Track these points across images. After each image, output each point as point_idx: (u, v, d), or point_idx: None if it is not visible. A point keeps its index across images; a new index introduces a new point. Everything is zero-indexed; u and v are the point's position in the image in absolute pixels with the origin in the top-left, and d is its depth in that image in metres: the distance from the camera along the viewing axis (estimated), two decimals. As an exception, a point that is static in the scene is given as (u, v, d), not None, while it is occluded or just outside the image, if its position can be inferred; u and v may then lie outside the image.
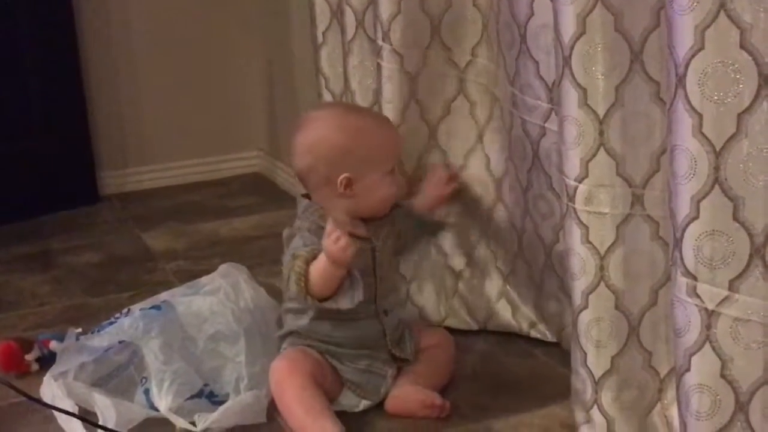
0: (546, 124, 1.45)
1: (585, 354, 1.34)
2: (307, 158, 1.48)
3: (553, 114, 1.41)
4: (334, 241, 1.35)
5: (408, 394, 1.47)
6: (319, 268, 1.39)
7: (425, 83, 1.65)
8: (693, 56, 1.03)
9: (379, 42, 1.63)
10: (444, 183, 1.63)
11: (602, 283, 1.30)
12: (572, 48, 1.22)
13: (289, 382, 1.43)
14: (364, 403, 1.49)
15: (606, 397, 1.34)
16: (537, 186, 1.53)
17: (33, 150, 2.59)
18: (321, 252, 1.38)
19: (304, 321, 1.49)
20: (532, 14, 1.41)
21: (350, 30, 1.77)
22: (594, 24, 1.20)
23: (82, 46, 2.66)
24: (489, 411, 1.48)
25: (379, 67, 1.65)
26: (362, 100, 1.80)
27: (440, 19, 1.62)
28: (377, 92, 1.76)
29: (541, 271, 1.61)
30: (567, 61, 1.23)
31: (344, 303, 1.42)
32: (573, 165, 1.27)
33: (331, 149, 1.46)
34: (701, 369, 1.12)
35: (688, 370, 1.13)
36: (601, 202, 1.27)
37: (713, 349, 1.11)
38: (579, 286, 1.32)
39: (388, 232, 1.53)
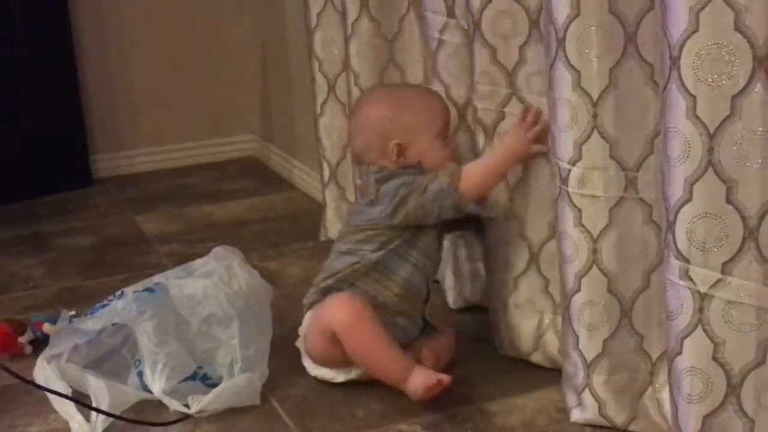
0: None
1: (577, 337, 1.34)
2: (359, 137, 1.56)
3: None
4: (528, 128, 1.42)
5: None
6: (485, 165, 1.47)
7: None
8: (687, 38, 1.03)
9: (442, 17, 1.58)
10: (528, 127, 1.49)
11: (595, 266, 1.30)
12: (566, 30, 1.22)
13: (365, 311, 1.44)
14: None
15: (598, 380, 1.35)
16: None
17: (27, 133, 2.58)
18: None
19: (371, 253, 1.50)
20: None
21: (353, 11, 1.76)
22: (588, 6, 1.20)
23: (75, 30, 2.65)
24: (482, 393, 1.49)
25: (440, 42, 1.59)
26: (366, 82, 1.79)
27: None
28: (380, 73, 1.74)
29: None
30: (561, 43, 1.22)
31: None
32: (566, 148, 1.27)
33: (378, 122, 1.54)
34: (693, 352, 1.13)
35: (680, 353, 1.14)
36: (595, 185, 1.27)
37: (705, 332, 1.11)
38: (571, 269, 1.32)
39: None
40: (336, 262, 1.54)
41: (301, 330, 1.55)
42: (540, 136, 1.41)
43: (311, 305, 1.54)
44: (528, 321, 1.53)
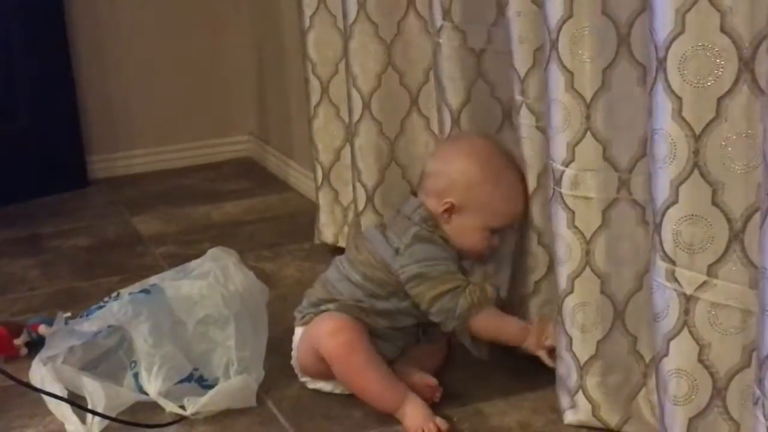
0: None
1: (570, 339, 1.34)
2: (441, 164, 1.50)
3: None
4: (544, 336, 1.42)
5: (404, 375, 1.47)
6: (505, 326, 1.45)
7: (493, 62, 1.58)
8: (673, 39, 1.03)
9: (439, 21, 1.58)
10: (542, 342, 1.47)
11: (588, 268, 1.31)
12: (559, 31, 1.22)
13: (357, 340, 1.43)
14: None
15: (591, 382, 1.35)
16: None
17: (22, 134, 2.58)
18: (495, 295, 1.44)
19: (379, 300, 1.47)
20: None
21: (352, 13, 1.76)
22: (581, 7, 1.20)
23: (71, 30, 2.64)
24: (478, 394, 1.49)
25: (438, 45, 1.59)
26: (364, 84, 1.79)
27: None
28: (379, 76, 1.74)
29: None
30: (554, 44, 1.23)
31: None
32: (560, 149, 1.28)
33: (459, 174, 1.47)
34: (679, 354, 1.13)
35: (666, 354, 1.14)
36: (588, 186, 1.27)
37: (691, 334, 1.11)
38: (565, 270, 1.32)
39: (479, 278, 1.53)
40: (341, 285, 1.50)
41: (294, 345, 1.53)
42: (551, 351, 1.41)
43: (304, 321, 1.52)
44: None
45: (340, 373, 1.44)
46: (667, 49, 1.04)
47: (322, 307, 1.49)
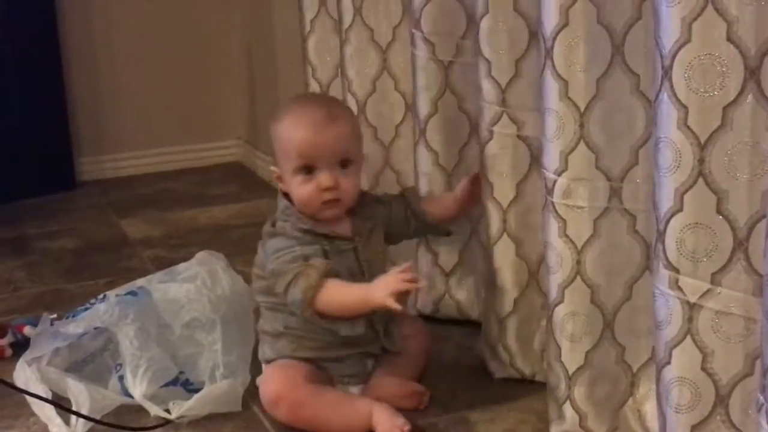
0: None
1: (559, 349, 1.34)
2: None
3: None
4: (401, 283, 1.34)
5: (385, 385, 1.46)
6: (347, 294, 1.39)
7: (461, 74, 1.60)
8: (680, 48, 1.03)
9: (412, 29, 1.59)
10: (464, 198, 1.55)
11: (578, 278, 1.30)
12: (554, 40, 1.22)
13: (296, 395, 1.40)
14: (352, 390, 1.48)
15: (579, 392, 1.34)
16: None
17: (10, 135, 2.57)
18: (334, 269, 1.39)
19: (293, 320, 1.45)
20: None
21: (347, 18, 1.76)
22: (576, 15, 1.20)
23: (61, 30, 2.64)
24: (465, 402, 1.49)
25: (413, 55, 1.61)
26: (359, 88, 1.78)
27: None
28: (374, 80, 1.75)
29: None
30: (549, 52, 1.23)
31: (344, 329, 1.43)
32: (552, 158, 1.27)
33: (272, 140, 1.48)
34: (682, 361, 1.13)
35: (668, 362, 1.14)
36: (579, 195, 1.27)
37: (694, 342, 1.11)
38: (555, 279, 1.32)
39: (371, 227, 1.51)
40: (264, 316, 1.49)
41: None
42: (403, 297, 1.36)
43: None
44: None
45: (303, 428, 1.42)
46: (673, 57, 1.04)
47: (268, 352, 1.48)
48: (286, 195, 1.49)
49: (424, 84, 1.62)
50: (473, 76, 1.52)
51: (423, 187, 1.68)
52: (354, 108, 1.79)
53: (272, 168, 1.50)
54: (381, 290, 1.35)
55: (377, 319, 1.47)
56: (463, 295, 1.73)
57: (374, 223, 1.52)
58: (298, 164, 1.43)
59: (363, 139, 1.54)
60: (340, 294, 1.39)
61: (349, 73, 1.78)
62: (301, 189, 1.44)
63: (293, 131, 1.44)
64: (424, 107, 1.63)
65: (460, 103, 1.62)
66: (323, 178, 1.43)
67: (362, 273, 1.46)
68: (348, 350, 1.46)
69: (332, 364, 1.46)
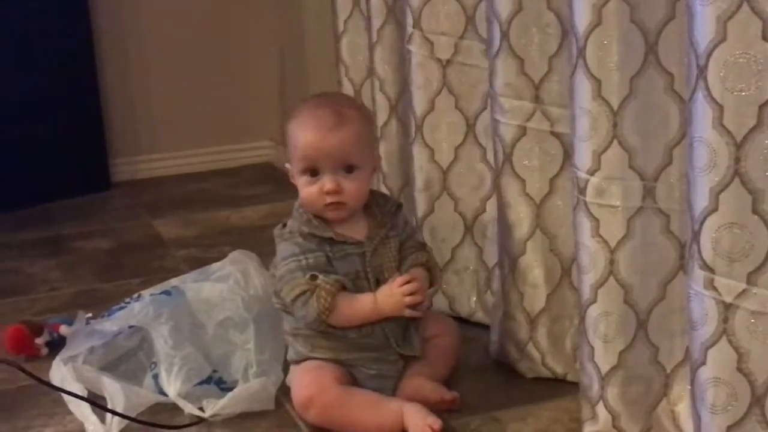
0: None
1: (592, 349, 1.33)
2: None
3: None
4: (400, 299, 1.40)
5: (418, 389, 1.46)
6: (358, 310, 1.42)
7: (459, 73, 1.63)
8: (715, 47, 1.03)
9: (409, 28, 1.61)
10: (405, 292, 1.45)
11: (611, 277, 1.30)
12: (587, 39, 1.21)
13: (327, 397, 1.41)
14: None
15: (612, 393, 1.34)
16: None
17: (46, 136, 2.60)
18: (341, 283, 1.41)
19: (301, 322, 1.46)
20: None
21: (378, 18, 1.77)
22: (609, 14, 1.20)
23: (95, 33, 2.67)
24: (497, 401, 1.48)
25: (408, 53, 1.64)
26: (390, 88, 1.79)
27: (474, 9, 1.61)
28: (406, 79, 1.76)
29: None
30: (581, 51, 1.22)
31: (353, 333, 1.45)
32: (585, 157, 1.27)
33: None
34: (717, 362, 1.12)
35: (703, 363, 1.13)
36: (613, 195, 1.27)
37: (730, 342, 1.10)
38: (588, 279, 1.31)
39: (386, 234, 1.50)
40: (285, 320, 1.50)
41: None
42: (415, 303, 1.41)
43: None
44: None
45: (335, 430, 1.42)
46: (708, 56, 1.03)
47: (291, 353, 1.49)
48: None
49: (421, 82, 1.64)
50: (471, 75, 1.56)
51: (419, 184, 1.70)
52: (385, 107, 1.80)
53: (286, 165, 1.51)
54: (389, 307, 1.41)
55: (389, 327, 1.47)
56: (454, 291, 1.75)
57: (390, 230, 1.51)
58: (303, 166, 1.45)
59: (376, 142, 1.55)
60: (352, 309, 1.42)
61: (380, 72, 1.79)
62: (305, 189, 1.46)
63: (299, 133, 1.45)
64: (420, 105, 1.65)
65: (457, 102, 1.64)
66: (326, 182, 1.44)
67: (367, 278, 1.46)
68: (361, 353, 1.46)
69: (354, 368, 1.46)
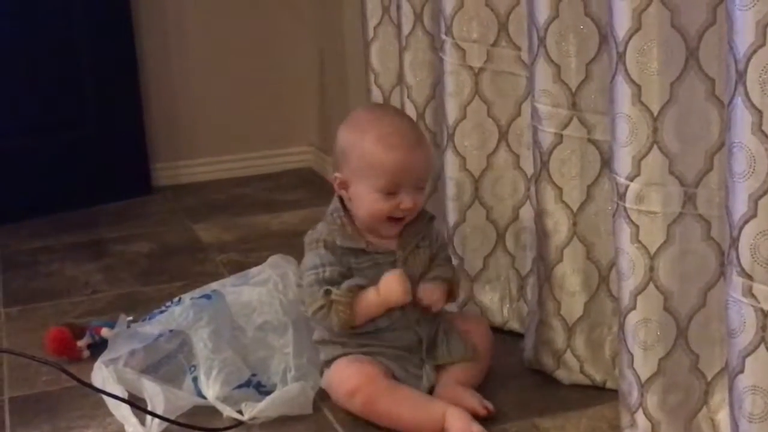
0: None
1: (632, 356, 1.32)
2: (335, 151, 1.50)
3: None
4: (402, 287, 1.41)
5: (454, 397, 1.45)
6: (370, 306, 1.43)
7: (491, 81, 1.64)
8: (754, 52, 1.02)
9: (442, 36, 1.62)
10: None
11: (651, 284, 1.29)
12: (627, 44, 1.21)
13: (374, 388, 1.42)
14: None
15: (651, 401, 1.33)
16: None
17: (88, 141, 2.63)
18: (355, 287, 1.43)
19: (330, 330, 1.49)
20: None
21: (407, 24, 1.77)
22: (649, 20, 1.19)
23: (138, 40, 2.69)
24: (536, 409, 1.48)
25: (441, 60, 1.65)
26: (418, 95, 1.80)
27: (507, 16, 1.61)
28: (434, 86, 1.76)
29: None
30: (621, 57, 1.22)
31: (382, 321, 1.46)
32: (624, 163, 1.26)
33: (337, 146, 1.48)
34: (755, 370, 1.11)
35: (741, 371, 1.12)
36: (653, 201, 1.26)
37: (768, 350, 1.10)
38: (627, 286, 1.30)
39: (417, 244, 1.51)
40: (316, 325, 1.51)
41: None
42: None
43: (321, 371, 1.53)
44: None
45: (374, 421, 1.43)
46: (747, 62, 1.02)
47: (323, 356, 1.50)
48: (341, 198, 1.50)
49: (453, 90, 1.64)
50: (504, 83, 1.57)
51: (450, 192, 1.69)
52: (413, 115, 1.81)
53: (336, 175, 1.48)
54: (393, 295, 1.42)
55: (423, 330, 1.49)
56: (486, 300, 1.74)
57: (422, 240, 1.52)
58: (384, 184, 1.43)
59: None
60: (367, 308, 1.44)
61: (409, 79, 1.80)
62: (375, 206, 1.44)
63: (381, 151, 1.42)
64: (452, 112, 1.65)
65: (489, 110, 1.64)
66: (405, 200, 1.44)
67: None
68: (390, 350, 1.47)
69: (387, 361, 1.47)
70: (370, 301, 1.44)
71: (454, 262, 1.66)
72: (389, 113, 1.52)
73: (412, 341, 1.49)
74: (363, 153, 1.43)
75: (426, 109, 1.81)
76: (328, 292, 1.43)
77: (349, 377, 1.44)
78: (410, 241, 1.50)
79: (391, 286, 1.42)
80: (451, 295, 1.52)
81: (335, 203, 1.51)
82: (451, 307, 1.67)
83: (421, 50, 1.79)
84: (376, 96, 2.00)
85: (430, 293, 1.47)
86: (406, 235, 1.50)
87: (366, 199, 1.45)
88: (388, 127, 1.44)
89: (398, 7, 1.80)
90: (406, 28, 1.78)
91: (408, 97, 1.81)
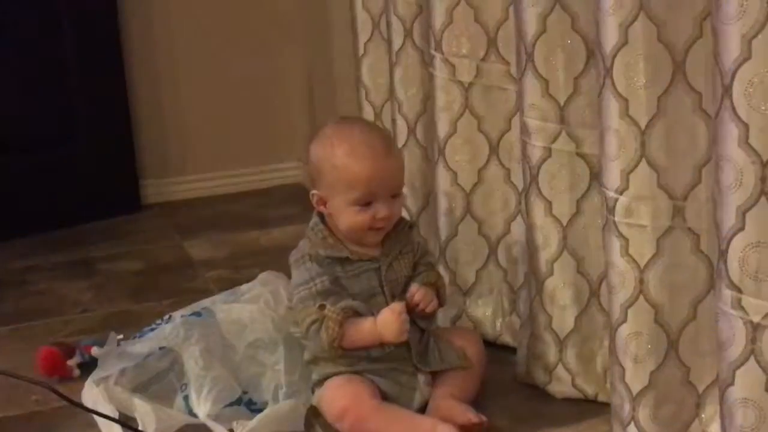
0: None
1: (623, 369, 1.32)
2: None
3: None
4: (399, 326, 1.41)
5: (447, 411, 1.45)
6: (363, 337, 1.43)
7: (481, 96, 1.65)
8: (739, 66, 1.03)
9: (432, 51, 1.63)
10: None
11: (641, 297, 1.29)
12: (614, 58, 1.21)
13: (362, 409, 1.41)
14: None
15: (643, 414, 1.33)
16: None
17: (76, 158, 2.62)
18: (350, 309, 1.43)
19: (320, 348, 1.48)
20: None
21: (397, 40, 1.78)
22: (636, 34, 1.20)
23: (126, 55, 2.69)
24: (528, 423, 1.48)
25: (431, 76, 1.65)
26: (409, 110, 1.80)
27: (496, 31, 1.62)
28: (424, 101, 1.76)
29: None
30: (608, 71, 1.22)
31: (376, 351, 1.46)
32: (613, 176, 1.27)
33: (310, 163, 1.50)
34: (746, 383, 1.11)
35: (732, 384, 1.12)
36: (642, 214, 1.26)
37: (758, 362, 1.10)
38: (618, 299, 1.31)
39: (399, 250, 1.52)
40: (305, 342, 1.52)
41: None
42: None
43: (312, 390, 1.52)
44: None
45: None
46: (733, 75, 1.03)
47: (314, 376, 1.50)
48: (320, 213, 1.51)
49: (443, 104, 1.65)
50: (494, 97, 1.57)
51: (442, 206, 1.70)
52: (404, 129, 1.81)
53: (313, 192, 1.49)
54: (388, 333, 1.42)
55: (411, 340, 1.48)
56: (479, 314, 1.74)
57: (404, 247, 1.53)
58: (358, 196, 1.44)
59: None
60: (358, 335, 1.43)
61: (399, 95, 1.80)
62: (353, 219, 1.46)
63: (352, 163, 1.44)
64: (443, 127, 1.66)
65: (480, 125, 1.64)
66: (381, 210, 1.45)
67: (383, 293, 1.48)
68: (381, 364, 1.47)
69: (377, 377, 1.47)
70: (365, 330, 1.44)
71: (446, 276, 1.67)
72: (357, 125, 1.54)
73: (400, 348, 1.48)
74: (335, 167, 1.45)
75: (417, 124, 1.82)
76: (322, 307, 1.43)
77: (339, 398, 1.44)
78: (393, 248, 1.51)
79: (388, 324, 1.42)
80: (438, 299, 1.53)
81: (314, 218, 1.52)
82: (444, 321, 1.67)
83: (411, 66, 1.79)
84: (368, 112, 2.00)
85: (424, 294, 1.47)
86: (388, 242, 1.51)
87: (344, 213, 1.46)
88: (357, 138, 1.46)
89: (388, 23, 1.81)
90: (396, 44, 1.79)
91: (399, 112, 1.82)
